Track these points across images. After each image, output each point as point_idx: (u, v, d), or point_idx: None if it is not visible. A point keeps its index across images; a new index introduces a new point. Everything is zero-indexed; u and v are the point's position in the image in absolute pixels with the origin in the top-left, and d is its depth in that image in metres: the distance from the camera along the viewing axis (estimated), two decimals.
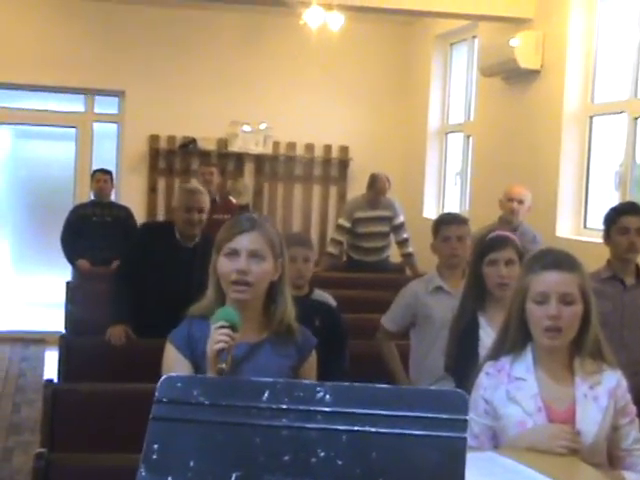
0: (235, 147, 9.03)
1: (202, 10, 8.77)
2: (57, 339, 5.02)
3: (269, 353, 2.57)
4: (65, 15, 8.66)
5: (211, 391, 1.67)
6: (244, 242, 2.54)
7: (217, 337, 2.34)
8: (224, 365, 2.28)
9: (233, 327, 2.36)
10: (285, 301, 2.61)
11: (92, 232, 7.21)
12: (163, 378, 1.71)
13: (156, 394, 1.68)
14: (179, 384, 1.69)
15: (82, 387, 3.90)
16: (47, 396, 3.88)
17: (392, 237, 7.59)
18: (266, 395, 1.65)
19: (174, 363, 2.55)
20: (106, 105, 9.09)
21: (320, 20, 7.08)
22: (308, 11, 6.80)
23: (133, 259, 4.84)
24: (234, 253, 2.54)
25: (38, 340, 8.46)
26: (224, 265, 2.55)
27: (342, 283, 6.52)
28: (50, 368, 7.30)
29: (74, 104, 9.04)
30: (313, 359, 2.68)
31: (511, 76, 7.05)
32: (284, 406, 1.63)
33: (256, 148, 9.08)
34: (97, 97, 9.04)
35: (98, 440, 3.76)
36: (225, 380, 1.99)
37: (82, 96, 9.01)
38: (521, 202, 6.08)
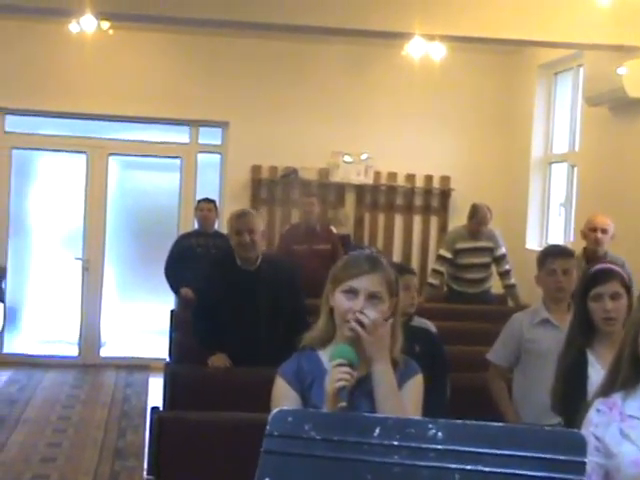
0: (336, 177, 9.09)
1: (305, 43, 8.89)
2: (161, 366, 5.13)
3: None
4: (172, 49, 8.91)
5: (322, 426, 1.67)
6: (364, 283, 2.55)
7: (337, 375, 2.34)
8: (344, 403, 2.27)
9: (351, 365, 2.37)
10: (398, 337, 2.62)
11: (196, 262, 7.31)
12: (274, 412, 1.72)
13: (267, 428, 1.70)
14: (290, 418, 1.70)
15: (188, 415, 3.96)
16: (154, 423, 3.96)
17: (493, 268, 7.51)
18: (377, 431, 1.64)
19: (284, 397, 2.56)
20: (210, 136, 9.28)
21: (422, 51, 7.10)
22: (410, 42, 6.82)
23: (204, 292, 4.96)
24: (353, 292, 2.55)
25: (142, 367, 8.64)
26: (342, 302, 2.56)
27: (443, 314, 6.46)
28: (154, 394, 7.46)
29: (179, 135, 9.26)
30: (414, 383, 2.64)
31: (618, 105, 6.91)
32: (395, 443, 1.62)
33: (357, 178, 9.12)
34: (201, 128, 9.23)
35: (203, 468, 3.81)
36: (336, 415, 2.00)
37: (187, 127, 9.22)
38: (605, 231, 5.99)
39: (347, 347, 2.44)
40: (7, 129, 9.00)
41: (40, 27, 8.43)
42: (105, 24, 7.09)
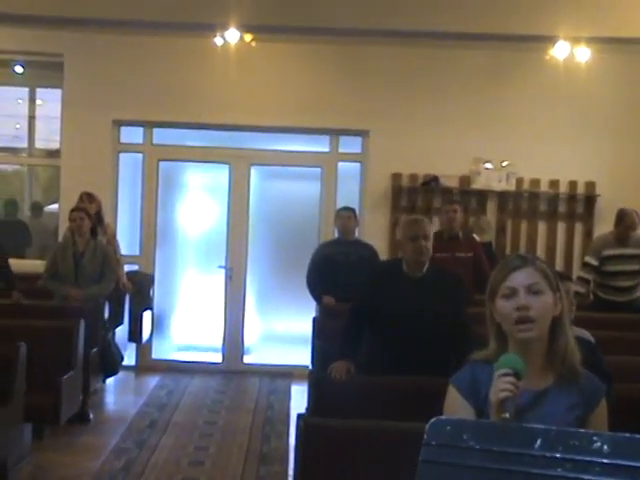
0: (478, 184, 8.98)
1: (445, 49, 8.84)
2: (303, 373, 5.16)
3: (554, 401, 2.47)
4: (312, 59, 9.01)
5: (481, 436, 1.65)
6: (519, 278, 2.49)
7: (501, 386, 2.28)
8: (508, 415, 2.21)
9: (517, 375, 2.30)
10: (567, 338, 2.53)
11: (337, 270, 7.38)
12: (432, 421, 1.70)
13: (425, 437, 1.68)
14: (448, 427, 1.68)
15: (334, 422, 3.97)
16: (300, 430, 3.99)
17: None
18: (539, 442, 1.61)
19: (457, 407, 2.51)
20: (350, 145, 9.32)
21: (566, 54, 6.94)
22: (555, 46, 6.68)
23: (364, 299, 4.92)
24: (511, 292, 2.49)
25: (285, 374, 8.76)
26: (503, 307, 2.50)
27: (591, 323, 6.26)
28: (296, 401, 7.55)
29: (319, 145, 9.34)
30: (603, 409, 2.53)
31: None
32: (558, 455, 1.58)
33: (499, 185, 8.98)
34: (341, 137, 9.29)
35: (348, 476, 3.82)
36: (495, 425, 1.96)
37: (327, 137, 9.29)
38: None
39: (514, 356, 2.38)
40: (155, 141, 9.30)
41: (185, 41, 8.70)
42: (248, 36, 7.24)
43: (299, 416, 4.11)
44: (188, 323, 9.53)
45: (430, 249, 4.77)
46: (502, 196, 9.06)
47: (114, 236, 8.26)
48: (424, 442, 1.68)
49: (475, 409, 2.49)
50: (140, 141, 9.31)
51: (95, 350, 6.99)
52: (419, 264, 4.75)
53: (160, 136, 9.33)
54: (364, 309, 4.85)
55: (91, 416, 6.97)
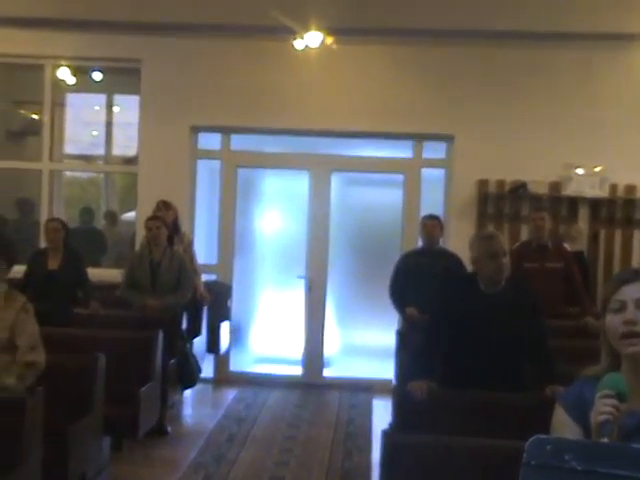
0: (569, 191, 8.84)
1: (532, 48, 8.74)
2: (385, 387, 5.15)
3: None
4: (395, 61, 8.99)
5: (585, 456, 1.62)
6: (629, 292, 2.45)
7: (601, 408, 2.23)
8: (606, 439, 2.15)
9: (620, 396, 2.24)
10: None
11: (421, 280, 7.33)
12: (532, 439, 1.68)
13: (524, 456, 1.67)
14: (549, 446, 1.66)
15: (419, 439, 3.96)
16: (384, 446, 3.99)
17: None
18: None
19: (563, 426, 2.47)
20: (434, 150, 9.28)
21: None
22: None
23: (438, 312, 4.89)
24: (620, 306, 2.46)
25: (366, 387, 8.76)
26: (611, 321, 2.46)
27: None
28: (379, 416, 7.53)
29: (402, 150, 9.32)
30: None
31: None
32: None
33: (591, 191, 8.83)
34: (425, 142, 9.25)
35: None
36: (599, 445, 1.92)
37: (411, 142, 9.26)
38: None
39: (617, 376, 2.30)
40: (233, 148, 9.40)
41: (264, 45, 8.78)
42: (329, 39, 7.27)
43: (384, 432, 4.10)
44: (267, 335, 9.59)
45: (508, 265, 4.74)
46: (595, 203, 8.90)
47: (191, 245, 8.37)
48: (523, 462, 1.66)
49: (583, 429, 2.43)
50: (218, 147, 9.42)
51: (173, 361, 7.10)
52: (497, 282, 4.73)
53: (238, 142, 9.43)
54: (440, 325, 4.83)
55: (169, 429, 7.07)
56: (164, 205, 8.17)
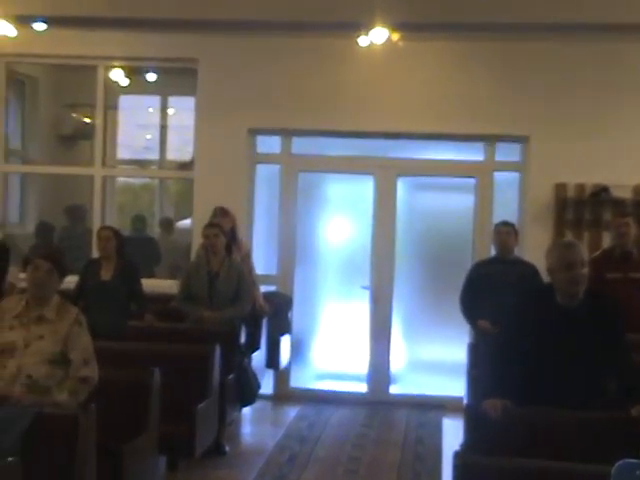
0: None
1: (612, 41, 8.62)
2: (456, 405, 5.11)
3: None
4: (465, 59, 8.94)
5: None
6: None
7: None
8: None
9: None
10: None
11: (494, 291, 7.28)
12: (619, 463, 1.66)
13: None
14: (638, 472, 1.64)
15: (496, 461, 3.92)
16: (457, 469, 3.96)
17: None
18: None
19: None
20: (508, 153, 9.20)
21: None
22: None
23: (512, 325, 4.84)
24: None
25: (436, 405, 8.71)
26: None
27: None
28: (449, 436, 7.49)
29: (473, 153, 9.26)
30: None
31: None
32: None
33: None
34: (498, 144, 9.18)
35: None
36: None
37: (482, 144, 9.20)
38: None
39: None
40: (293, 151, 9.44)
41: (326, 42, 8.79)
42: (395, 35, 7.27)
43: (456, 454, 4.07)
44: (329, 349, 9.59)
45: (587, 276, 4.67)
46: None
47: (249, 254, 8.41)
48: None
49: None
50: (278, 151, 9.46)
51: (231, 377, 7.13)
52: (573, 294, 4.66)
53: (299, 145, 9.45)
54: (515, 339, 4.78)
55: (227, 448, 7.10)
56: (222, 212, 8.23)
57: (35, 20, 7.28)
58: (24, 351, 4.66)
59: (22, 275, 7.35)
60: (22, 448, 4.14)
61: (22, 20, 7.27)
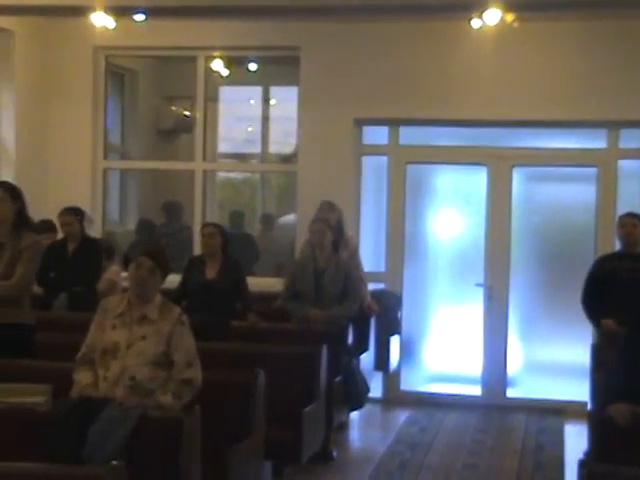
0: None
1: None
2: (579, 410, 5.02)
3: None
4: (582, 40, 8.77)
5: None
6: None
7: None
8: None
9: None
10: None
11: (619, 288, 7.14)
12: None
13: None
14: None
15: (626, 471, 3.82)
16: (583, 478, 3.88)
17: None
18: None
19: None
20: (632, 139, 8.98)
21: None
22: None
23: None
24: None
25: (557, 410, 8.59)
26: None
27: None
28: (572, 443, 7.37)
29: (595, 140, 9.08)
30: None
31: None
32: None
33: None
34: (622, 130, 8.97)
35: None
36: None
37: (604, 130, 9.01)
38: None
39: None
40: (401, 142, 9.40)
41: (435, 26, 8.73)
42: (509, 16, 7.17)
43: (581, 463, 4.00)
44: (441, 350, 9.54)
45: None
46: None
47: (356, 251, 8.40)
48: None
49: None
50: (385, 142, 9.45)
51: (338, 379, 7.14)
52: None
53: (407, 136, 9.42)
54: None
55: (335, 454, 7.12)
56: (328, 206, 8.24)
57: (135, 11, 7.40)
58: (127, 352, 4.75)
59: (124, 273, 7.58)
60: (127, 451, 4.21)
61: (121, 12, 7.40)
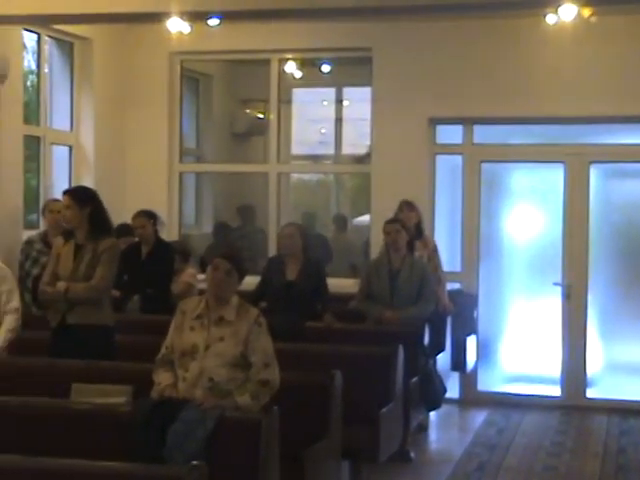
0: None
1: None
2: None
3: None
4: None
5: None
6: None
7: None
8: None
9: None
10: None
11: None
12: None
13: None
14: None
15: None
16: None
17: None
18: None
19: None
20: None
21: None
22: None
23: None
24: None
25: (639, 411, 8.45)
26: None
27: None
28: None
29: None
30: None
31: None
32: None
33: None
34: None
35: None
36: None
37: None
38: None
39: None
40: (476, 140, 9.34)
41: (508, 23, 8.67)
42: (586, 11, 7.08)
43: None
44: (519, 350, 9.45)
45: None
46: None
47: (435, 251, 8.38)
48: None
49: None
50: (459, 141, 9.40)
51: (415, 380, 7.11)
52: None
53: (482, 134, 9.37)
54: None
55: (412, 455, 7.10)
56: (408, 206, 8.24)
57: (210, 16, 7.45)
58: (205, 353, 4.79)
59: (200, 276, 7.66)
60: (206, 451, 4.25)
61: (196, 17, 7.46)
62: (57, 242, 6.22)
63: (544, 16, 7.44)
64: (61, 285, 5.95)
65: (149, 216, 8.03)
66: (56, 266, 6.07)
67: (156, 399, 4.71)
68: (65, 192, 6.31)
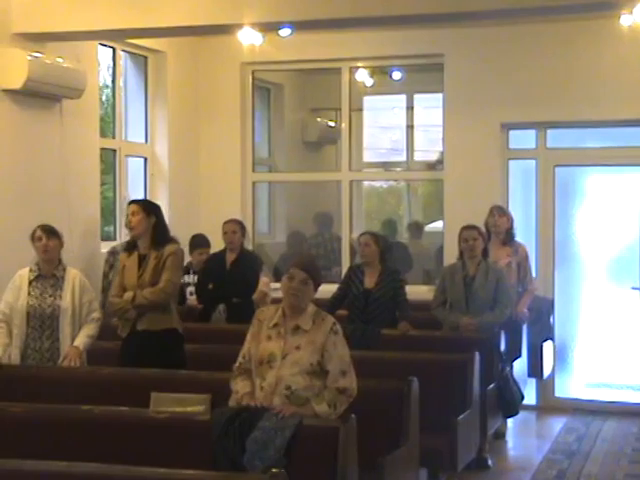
0: None
1: None
2: None
3: None
4: None
5: None
6: None
7: None
8: None
9: None
10: None
11: None
12: None
13: None
14: None
15: None
16: None
17: None
18: None
19: None
20: None
21: None
22: None
23: None
24: None
25: None
26: None
27: None
28: None
29: None
30: None
31: None
32: None
33: None
34: None
35: None
36: None
37: None
38: None
39: None
40: (549, 145, 9.25)
41: (582, 25, 8.57)
42: None
43: None
44: (597, 355, 9.33)
45: None
46: None
47: (526, 257, 8.30)
48: None
49: None
50: (532, 146, 9.32)
51: (492, 387, 7.06)
52: None
53: (555, 138, 9.27)
54: None
55: (490, 462, 7.04)
56: (499, 211, 8.20)
57: (281, 26, 7.50)
58: (282, 362, 4.80)
59: (274, 285, 7.70)
60: (285, 459, 4.27)
61: (268, 27, 7.51)
62: (121, 256, 6.43)
63: (618, 17, 7.34)
64: (128, 295, 6.10)
65: (240, 224, 8.10)
66: (122, 278, 6.25)
67: (234, 408, 4.73)
68: (132, 201, 6.51)
